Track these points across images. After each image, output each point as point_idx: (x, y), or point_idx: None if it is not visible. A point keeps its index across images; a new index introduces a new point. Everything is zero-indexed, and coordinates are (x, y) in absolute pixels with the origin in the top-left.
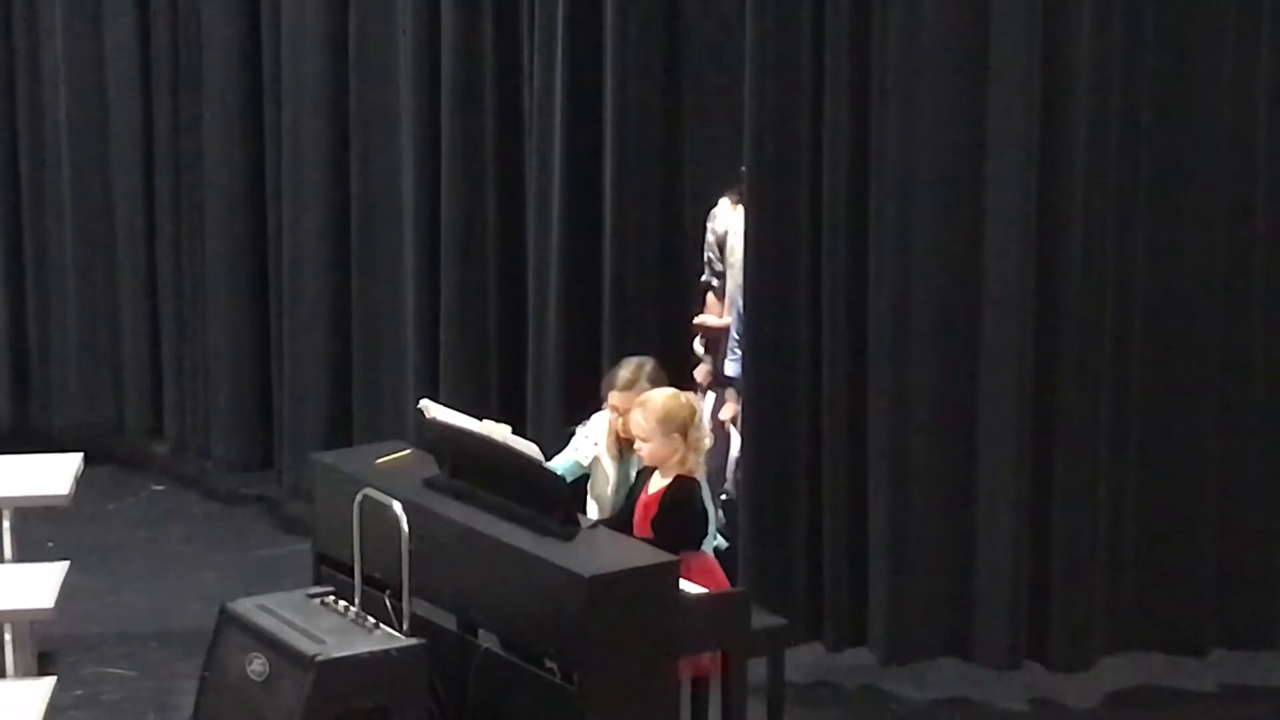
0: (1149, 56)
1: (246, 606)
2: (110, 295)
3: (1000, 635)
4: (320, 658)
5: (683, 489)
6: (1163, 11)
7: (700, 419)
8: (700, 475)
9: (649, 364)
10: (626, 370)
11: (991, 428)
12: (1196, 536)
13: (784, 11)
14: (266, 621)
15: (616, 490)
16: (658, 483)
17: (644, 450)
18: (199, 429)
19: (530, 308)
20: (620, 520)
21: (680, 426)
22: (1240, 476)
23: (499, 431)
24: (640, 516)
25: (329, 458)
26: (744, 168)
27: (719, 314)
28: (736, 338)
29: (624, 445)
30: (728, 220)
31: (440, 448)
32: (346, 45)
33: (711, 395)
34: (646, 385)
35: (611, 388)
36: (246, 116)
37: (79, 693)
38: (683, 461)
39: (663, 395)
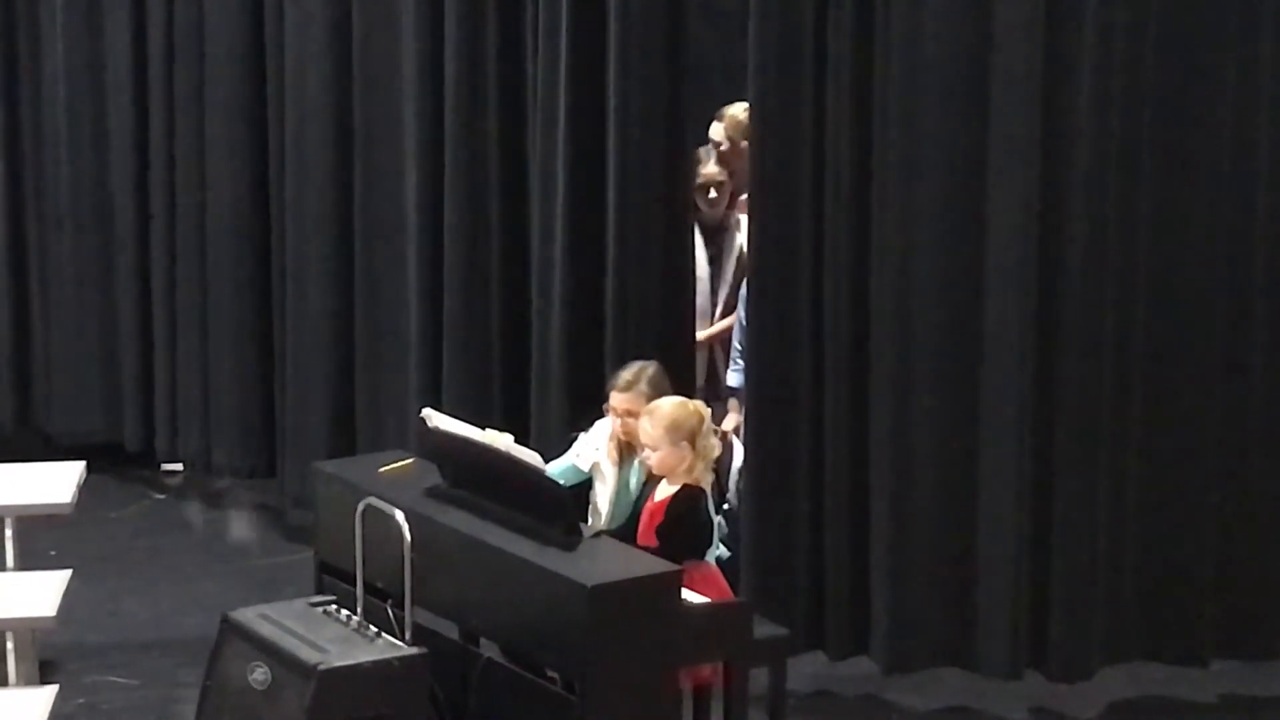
0: (1151, 59)
1: (248, 615)
2: (112, 303)
3: (1001, 645)
4: (322, 667)
5: (688, 498)
6: (1165, 16)
7: (708, 427)
8: (707, 484)
9: (650, 367)
10: (628, 372)
11: (993, 438)
12: (1198, 546)
13: (786, 15)
14: (268, 630)
15: (617, 497)
16: (664, 491)
17: (652, 459)
18: (201, 437)
19: (533, 316)
20: (625, 528)
21: (688, 435)
22: (1243, 485)
23: (501, 441)
24: (645, 524)
25: (331, 467)
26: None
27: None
28: (739, 348)
29: (624, 450)
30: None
31: (442, 457)
32: (350, 50)
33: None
34: (646, 388)
35: (613, 389)
36: (249, 122)
37: (80, 701)
38: (690, 470)
39: (670, 404)
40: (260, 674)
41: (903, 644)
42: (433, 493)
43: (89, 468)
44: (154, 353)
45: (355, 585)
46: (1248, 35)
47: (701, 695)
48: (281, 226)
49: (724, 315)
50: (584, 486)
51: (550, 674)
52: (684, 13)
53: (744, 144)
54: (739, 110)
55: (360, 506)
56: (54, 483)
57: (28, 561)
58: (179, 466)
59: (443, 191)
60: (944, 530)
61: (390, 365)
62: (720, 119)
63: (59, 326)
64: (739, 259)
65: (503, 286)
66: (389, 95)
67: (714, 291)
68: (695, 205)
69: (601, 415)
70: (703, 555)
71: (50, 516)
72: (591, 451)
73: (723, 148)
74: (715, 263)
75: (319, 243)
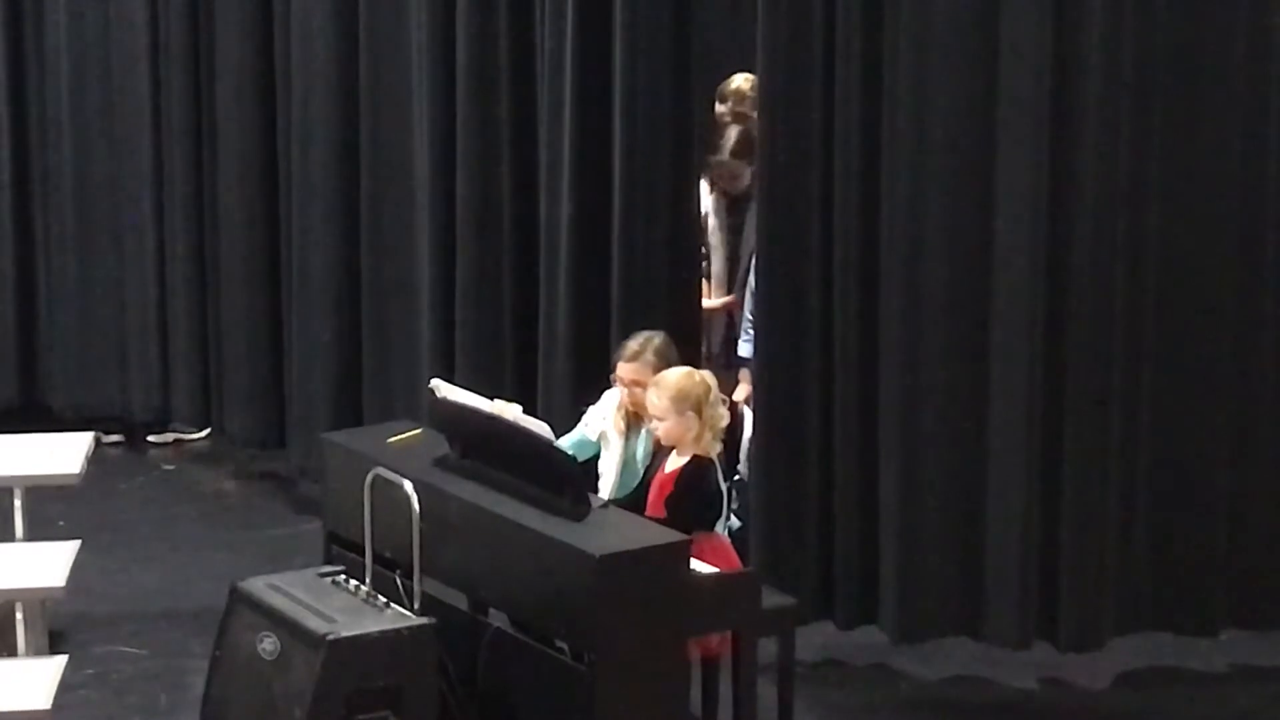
0: (1160, 39)
1: (257, 585)
2: (119, 274)
3: (1011, 614)
4: (331, 637)
5: (698, 469)
6: None
7: (716, 397)
8: (715, 454)
9: (657, 337)
10: (634, 342)
11: (1002, 407)
12: (1208, 516)
13: None
14: (277, 601)
15: (624, 467)
16: (674, 462)
17: (659, 429)
18: (210, 408)
19: (542, 287)
20: (635, 499)
21: (695, 405)
22: (1252, 456)
23: (510, 411)
24: (655, 495)
25: (339, 437)
26: (709, 156)
27: (707, 294)
28: (750, 318)
29: (630, 420)
30: (706, 202)
31: (451, 427)
32: (358, 22)
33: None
34: (652, 358)
35: (619, 360)
36: (256, 92)
37: (90, 671)
38: (698, 439)
39: (677, 374)
40: (269, 644)
41: (912, 613)
42: (441, 463)
43: (97, 439)
44: (162, 324)
45: (364, 555)
46: (1259, 15)
47: (710, 665)
48: (289, 198)
49: (744, 284)
50: (595, 459)
51: (559, 644)
52: None
53: (755, 114)
54: (740, 81)
55: (369, 477)
56: (63, 453)
57: (37, 532)
58: (187, 436)
59: (454, 164)
60: (953, 500)
61: (399, 336)
62: (724, 99)
63: (66, 299)
64: None
65: (513, 257)
66: (397, 66)
67: (735, 259)
68: (723, 176)
69: (609, 386)
70: (712, 526)
71: (59, 487)
72: (599, 421)
73: (726, 120)
74: (738, 232)
75: (327, 214)
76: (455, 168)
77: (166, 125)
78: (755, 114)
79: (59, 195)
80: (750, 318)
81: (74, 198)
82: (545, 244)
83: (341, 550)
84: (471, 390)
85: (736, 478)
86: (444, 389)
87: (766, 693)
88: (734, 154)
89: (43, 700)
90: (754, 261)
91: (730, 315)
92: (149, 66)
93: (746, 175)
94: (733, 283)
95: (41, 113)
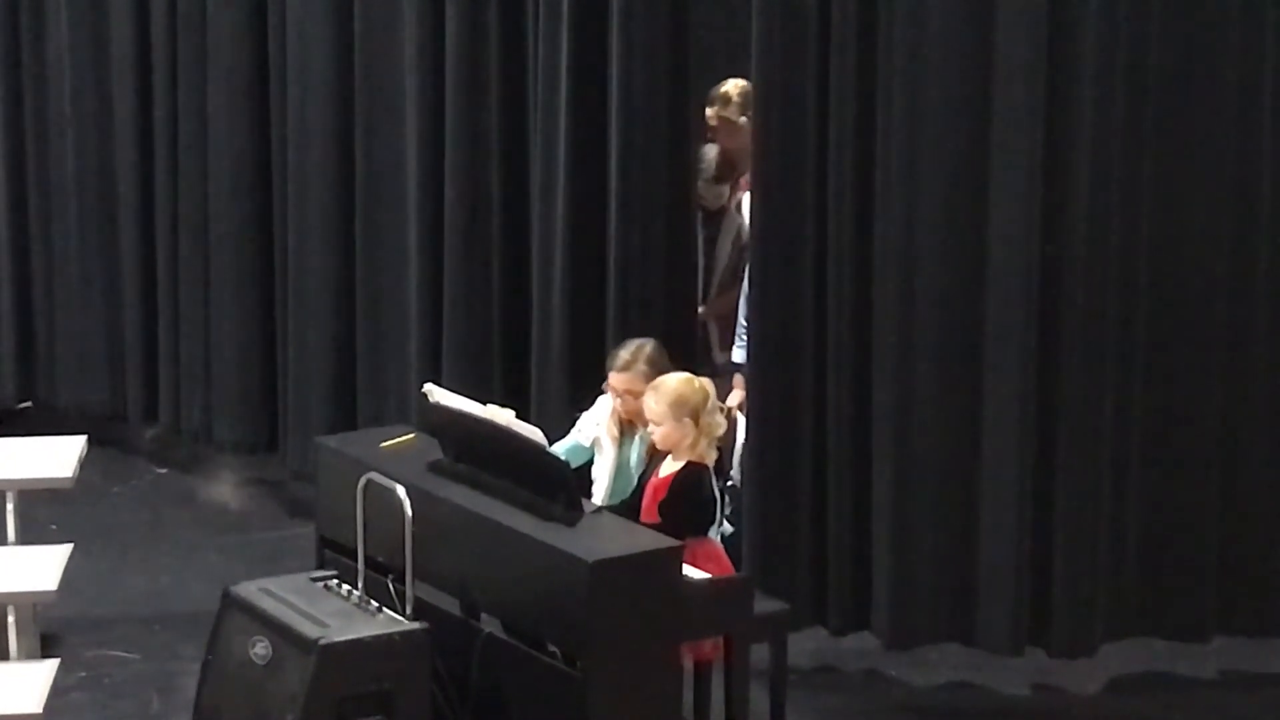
0: (1154, 44)
1: (249, 590)
2: (113, 279)
3: (1003, 620)
4: (323, 641)
5: (691, 474)
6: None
7: (713, 404)
8: (711, 461)
9: (648, 345)
10: (625, 352)
11: (995, 413)
12: (1200, 523)
13: None
14: (269, 605)
15: (618, 473)
16: (668, 467)
17: (656, 434)
18: (203, 412)
19: (534, 291)
20: (629, 504)
21: (692, 411)
22: (1244, 463)
23: (502, 416)
24: (649, 500)
25: (333, 441)
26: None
27: None
28: (744, 324)
29: (624, 427)
30: None
31: (444, 432)
32: (352, 27)
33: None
34: (644, 367)
35: (611, 369)
36: (251, 98)
37: (82, 675)
38: (694, 446)
39: (675, 379)
40: (261, 648)
41: (904, 619)
42: (434, 468)
43: (90, 442)
44: (155, 328)
45: (356, 560)
46: (1251, 17)
47: (703, 670)
48: (284, 202)
49: (718, 295)
50: (588, 465)
51: (551, 649)
52: None
53: (741, 120)
54: (729, 86)
55: (361, 481)
56: (55, 457)
57: (29, 535)
58: (180, 441)
59: (443, 168)
60: (946, 506)
61: (391, 340)
62: (712, 103)
63: (61, 303)
64: (735, 241)
65: (503, 261)
66: (391, 72)
67: (708, 270)
68: (703, 195)
69: (603, 392)
70: (705, 531)
71: (52, 490)
72: (593, 426)
73: (713, 124)
74: (712, 243)
75: (320, 218)
76: (444, 174)
77: (161, 129)
78: (739, 119)
79: (57, 198)
80: (745, 324)
81: (75, 203)
82: (539, 251)
83: (334, 554)
84: (464, 395)
85: (730, 483)
86: (437, 393)
87: (759, 698)
88: (717, 179)
89: (34, 704)
90: (748, 268)
91: (704, 325)
92: (144, 71)
93: (725, 193)
94: (707, 293)
95: (40, 114)
